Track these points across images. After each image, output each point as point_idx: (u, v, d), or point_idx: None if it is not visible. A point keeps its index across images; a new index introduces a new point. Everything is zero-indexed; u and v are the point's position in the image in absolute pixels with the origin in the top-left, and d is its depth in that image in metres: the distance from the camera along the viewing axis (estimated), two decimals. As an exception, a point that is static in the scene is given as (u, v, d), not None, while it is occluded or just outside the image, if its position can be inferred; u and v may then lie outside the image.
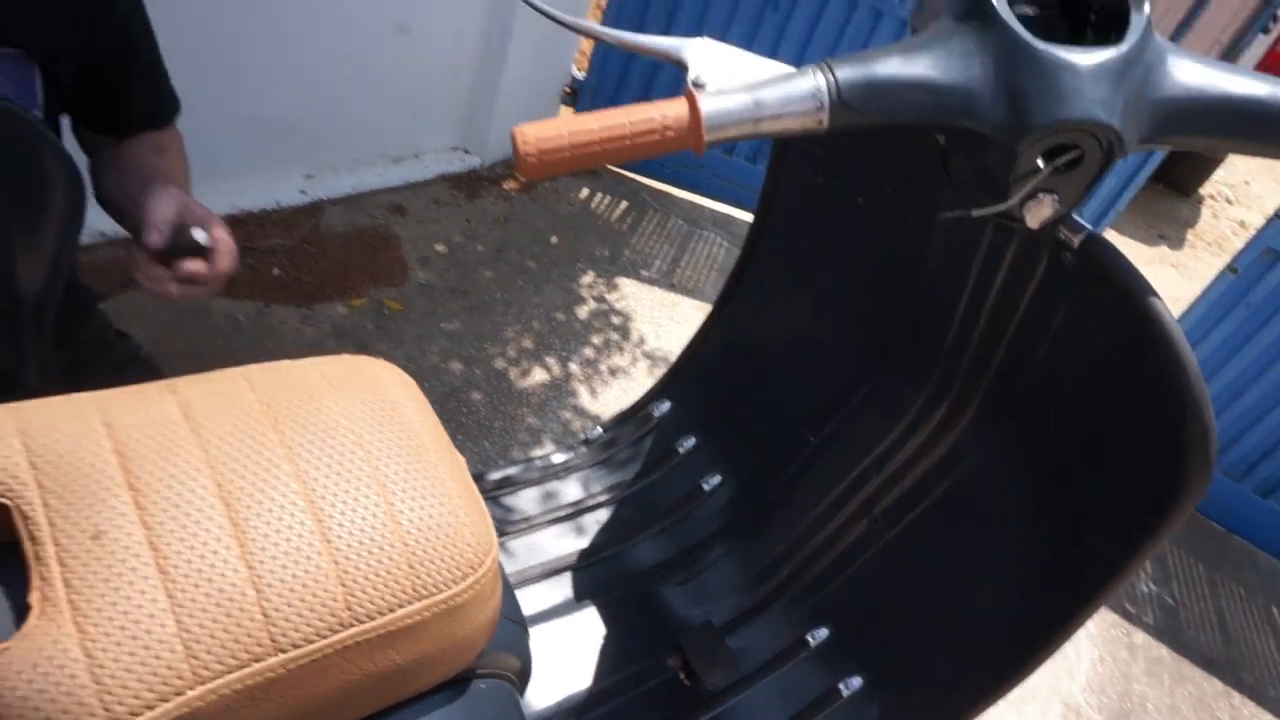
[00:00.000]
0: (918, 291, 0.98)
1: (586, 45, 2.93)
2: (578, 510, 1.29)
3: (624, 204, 2.67)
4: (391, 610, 0.54)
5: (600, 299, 2.27)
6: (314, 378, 0.62)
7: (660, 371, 1.35)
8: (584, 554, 1.24)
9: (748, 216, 2.85)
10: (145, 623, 0.48)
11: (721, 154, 2.79)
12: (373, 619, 0.53)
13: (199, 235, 0.80)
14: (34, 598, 0.48)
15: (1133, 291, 0.69)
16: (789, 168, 1.09)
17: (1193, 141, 0.67)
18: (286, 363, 0.64)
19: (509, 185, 2.58)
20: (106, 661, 0.46)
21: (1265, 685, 1.88)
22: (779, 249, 1.17)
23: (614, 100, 2.80)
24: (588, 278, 2.33)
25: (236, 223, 2.13)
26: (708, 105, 0.63)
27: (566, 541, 1.26)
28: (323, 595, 0.52)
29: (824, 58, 0.66)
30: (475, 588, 0.58)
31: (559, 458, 1.34)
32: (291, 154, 2.30)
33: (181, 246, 0.80)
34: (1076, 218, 0.74)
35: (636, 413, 1.37)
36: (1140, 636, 1.88)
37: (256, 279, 2.02)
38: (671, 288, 2.41)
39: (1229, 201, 4.80)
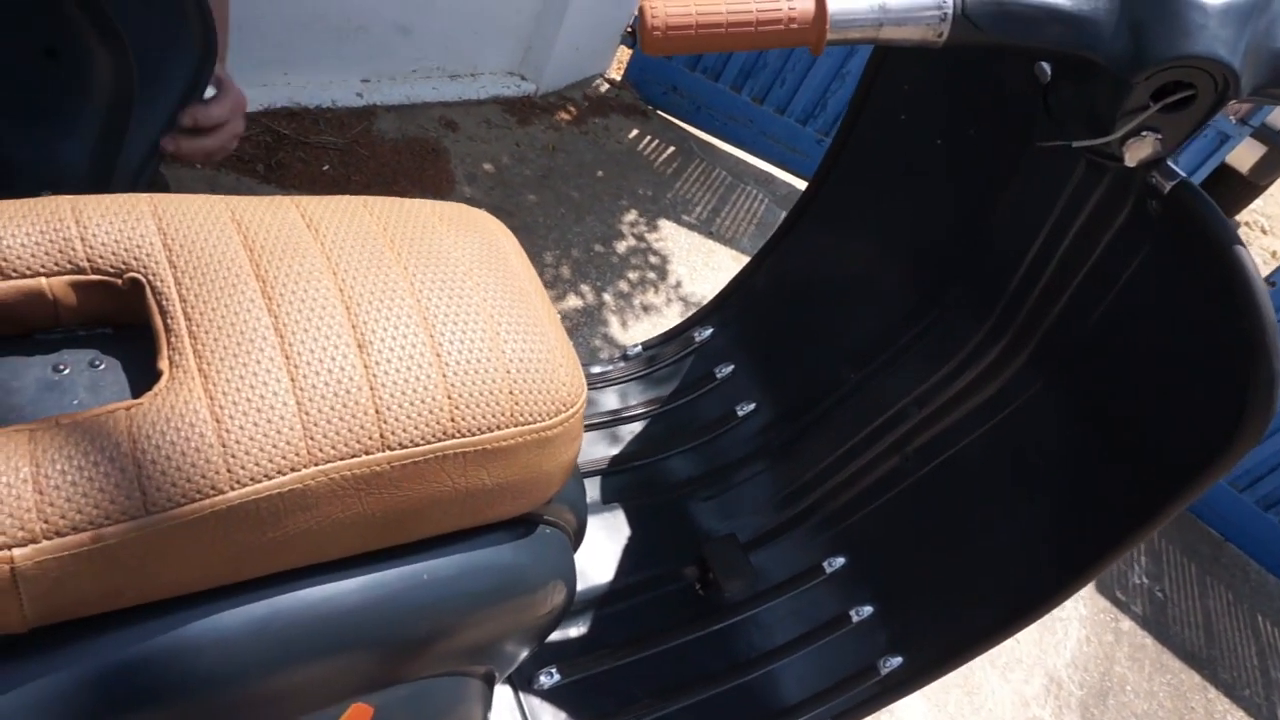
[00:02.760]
0: (987, 233, 1.00)
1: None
2: (612, 420, 1.32)
3: (671, 149, 2.67)
4: (490, 430, 0.57)
5: (640, 237, 2.29)
6: (427, 213, 0.65)
7: (689, 315, 1.39)
8: (615, 460, 1.28)
9: (789, 177, 2.86)
10: (269, 399, 0.51)
11: (773, 112, 2.78)
12: (473, 434, 0.56)
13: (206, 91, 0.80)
14: (163, 363, 0.51)
15: (1220, 241, 0.71)
16: (872, 104, 1.10)
17: None
18: (399, 199, 0.67)
19: (560, 116, 2.58)
20: (233, 428, 0.49)
21: (1241, 685, 1.94)
22: (848, 185, 1.18)
23: (672, 44, 2.79)
24: (630, 215, 2.34)
25: (292, 116, 2.14)
26: (834, 4, 0.64)
27: (599, 448, 1.29)
28: (431, 404, 0.55)
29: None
30: (565, 425, 0.60)
31: (597, 369, 1.37)
32: (351, 57, 2.30)
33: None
34: (1171, 164, 0.75)
35: (678, 335, 1.39)
36: (1127, 624, 1.93)
37: (307, 172, 2.03)
38: (710, 235, 2.42)
39: (1264, 231, 4.79)
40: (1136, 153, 0.72)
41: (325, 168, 2.07)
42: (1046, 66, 0.79)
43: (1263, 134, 3.76)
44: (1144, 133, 0.71)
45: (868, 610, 1.15)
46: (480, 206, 2.20)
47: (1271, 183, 4.16)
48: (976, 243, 1.02)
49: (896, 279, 1.16)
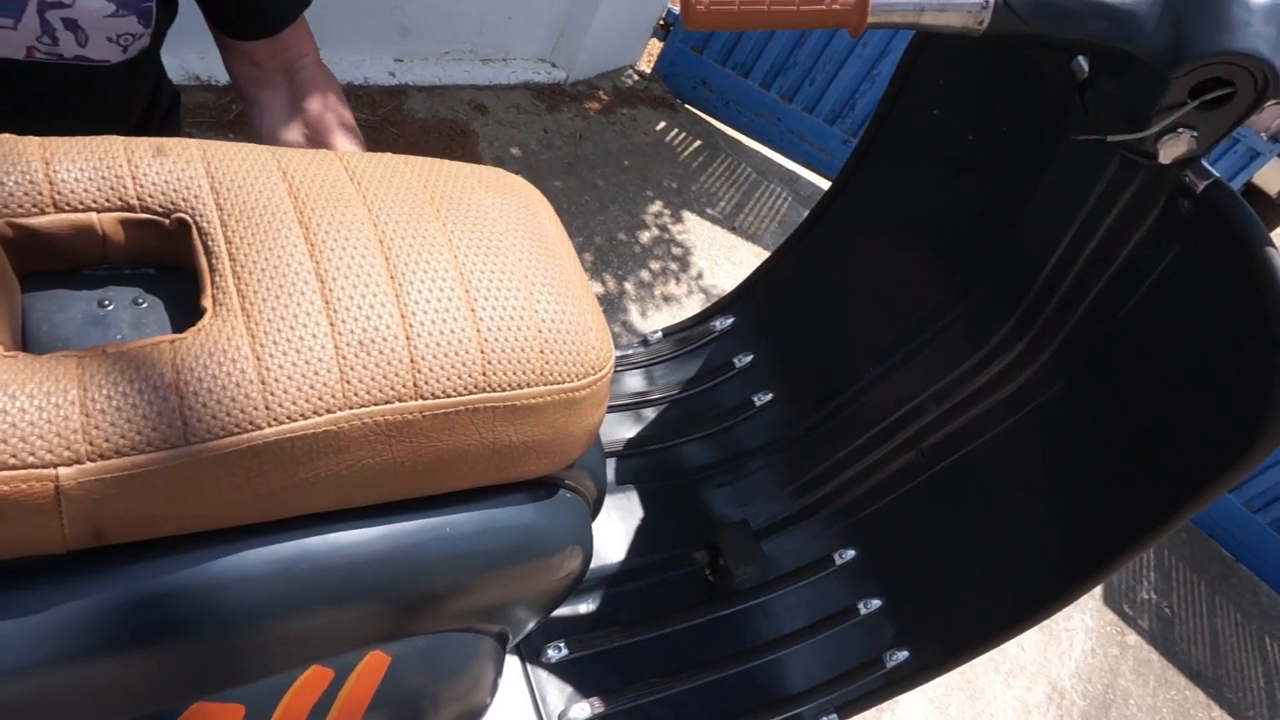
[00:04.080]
0: (1015, 229, 1.00)
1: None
2: (630, 403, 1.32)
3: (698, 143, 2.68)
4: (520, 387, 0.58)
5: (663, 228, 2.30)
6: (466, 174, 0.66)
7: (710, 304, 1.40)
8: (631, 443, 1.29)
9: (814, 176, 2.86)
10: (309, 340, 0.52)
11: (801, 111, 2.78)
12: (503, 390, 0.57)
13: None
14: (207, 301, 0.52)
15: (1252, 241, 0.71)
16: (906, 97, 1.10)
17: None
18: (439, 159, 0.68)
19: (589, 105, 2.59)
20: (272, 366, 0.50)
21: (1245, 706, 1.93)
22: (877, 178, 1.18)
23: (705, 41, 2.79)
24: (654, 206, 2.35)
25: (324, 90, 2.15)
26: None
27: (616, 430, 1.30)
28: (464, 357, 0.56)
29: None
30: (593, 387, 0.61)
31: (617, 353, 1.38)
32: (385, 36, 2.31)
33: None
34: (1205, 164, 0.75)
35: (699, 323, 1.40)
36: (1133, 638, 1.92)
37: (336, 147, 2.05)
38: (733, 230, 2.43)
39: (1288, 256, 4.76)
40: (1172, 150, 0.72)
41: (355, 144, 2.09)
42: (1084, 62, 0.79)
43: (1294, 156, 3.72)
44: (1180, 130, 0.71)
45: (876, 603, 1.15)
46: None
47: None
48: (1004, 239, 1.02)
49: (921, 274, 1.16)
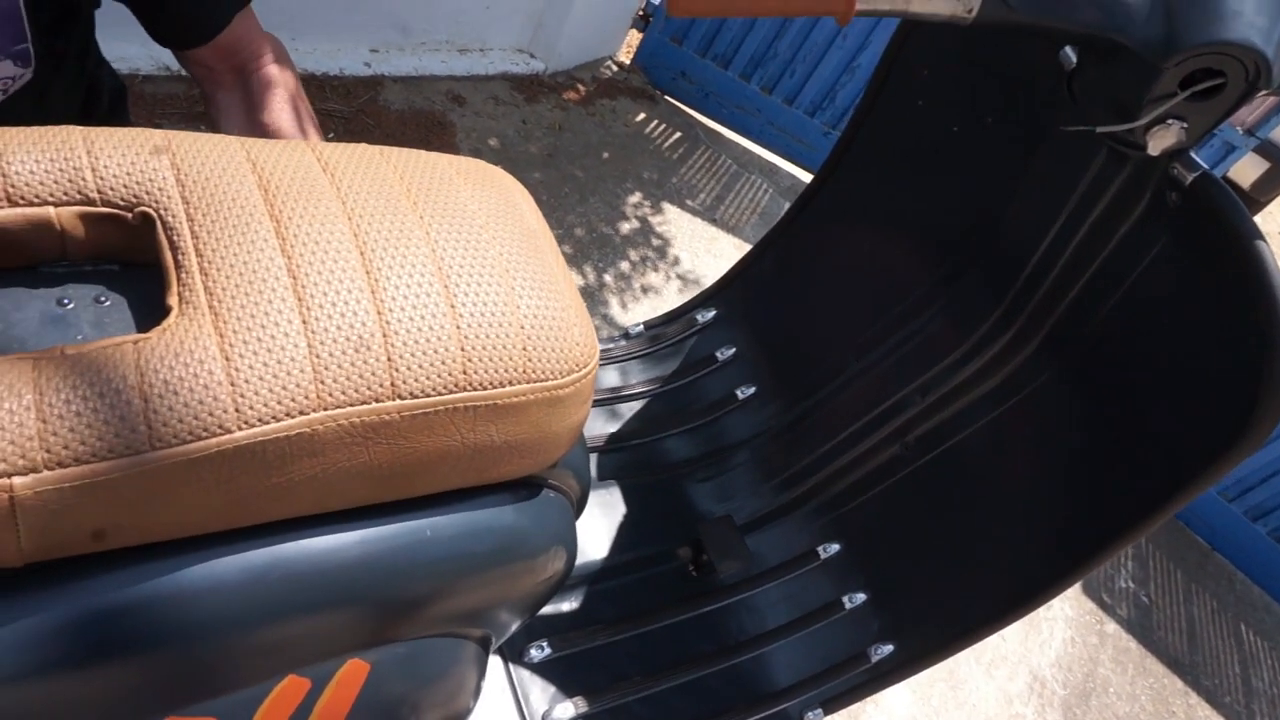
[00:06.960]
0: (1001, 221, 0.99)
1: (665, -31, 2.88)
2: (612, 398, 1.31)
3: (677, 134, 2.66)
4: (502, 385, 0.56)
5: (643, 219, 2.28)
6: (445, 165, 0.64)
7: (692, 297, 1.39)
8: (613, 438, 1.27)
9: (794, 168, 2.85)
10: (280, 340, 0.49)
11: (782, 103, 2.77)
12: (484, 388, 0.55)
13: None
14: (172, 299, 0.50)
15: (1241, 233, 0.71)
16: (890, 89, 1.09)
17: None
18: (416, 150, 0.65)
19: (568, 96, 2.56)
20: (242, 366, 0.48)
21: (1222, 692, 1.95)
22: (860, 170, 1.17)
23: (685, 31, 2.77)
24: (634, 197, 2.32)
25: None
26: None
27: (598, 424, 1.29)
28: (444, 355, 0.54)
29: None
30: (577, 385, 0.59)
31: (599, 347, 1.36)
32: (360, 26, 2.27)
33: None
34: (1194, 156, 0.75)
35: (681, 315, 1.38)
36: (1112, 627, 1.94)
37: (310, 138, 2.01)
38: (713, 222, 2.41)
39: (1259, 247, 4.82)
40: (1161, 141, 0.71)
41: (330, 135, 2.05)
42: (1071, 53, 0.78)
43: (1266, 149, 3.75)
44: (1169, 121, 0.70)
45: (861, 598, 1.15)
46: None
47: (1272, 199, 4.16)
48: (989, 231, 1.02)
49: (905, 267, 1.15)
